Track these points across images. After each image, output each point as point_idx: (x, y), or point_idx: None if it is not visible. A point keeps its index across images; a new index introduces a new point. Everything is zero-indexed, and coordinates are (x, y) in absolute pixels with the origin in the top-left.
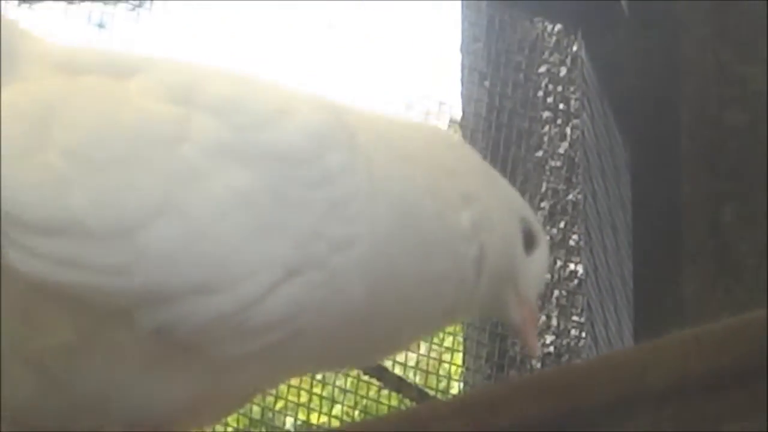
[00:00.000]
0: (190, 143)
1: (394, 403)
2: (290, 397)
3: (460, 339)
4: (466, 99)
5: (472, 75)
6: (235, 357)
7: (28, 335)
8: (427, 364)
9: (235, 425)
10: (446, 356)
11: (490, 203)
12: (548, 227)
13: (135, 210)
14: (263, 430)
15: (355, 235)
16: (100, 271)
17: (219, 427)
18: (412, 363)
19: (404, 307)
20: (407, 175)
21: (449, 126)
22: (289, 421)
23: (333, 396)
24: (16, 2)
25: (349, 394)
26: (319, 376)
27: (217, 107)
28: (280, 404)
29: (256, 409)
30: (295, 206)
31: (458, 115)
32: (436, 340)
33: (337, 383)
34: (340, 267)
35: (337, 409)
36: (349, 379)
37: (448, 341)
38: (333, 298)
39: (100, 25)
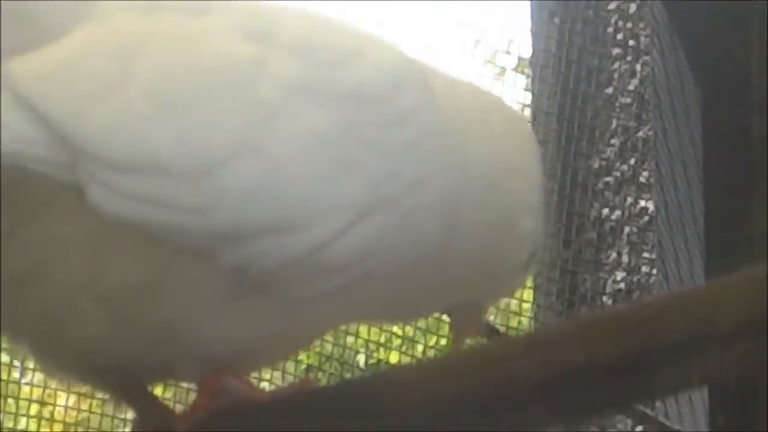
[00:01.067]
0: (267, 82)
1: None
2: (370, 336)
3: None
4: (536, 36)
5: (541, 12)
6: (307, 297)
7: (98, 273)
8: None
9: (307, 361)
10: (516, 293)
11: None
12: (618, 164)
13: (214, 149)
14: (335, 366)
15: (427, 177)
16: (180, 209)
17: (290, 363)
18: None
19: (469, 259)
20: (483, 134)
21: (518, 64)
22: (361, 359)
23: (413, 336)
24: None
25: (428, 335)
26: None
27: (295, 46)
28: (359, 343)
29: (328, 346)
30: (370, 146)
31: (527, 53)
32: None
33: (418, 324)
34: (413, 208)
35: (416, 349)
36: (429, 320)
37: None
38: (405, 240)
39: None
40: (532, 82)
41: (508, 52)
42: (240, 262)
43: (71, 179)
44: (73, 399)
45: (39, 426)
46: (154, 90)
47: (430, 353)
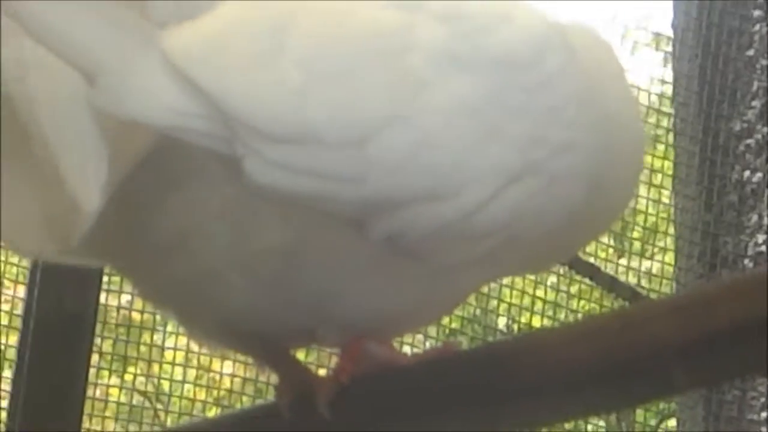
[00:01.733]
0: (416, 51)
1: (607, 304)
2: (512, 300)
3: (671, 239)
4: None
5: None
6: (456, 263)
7: (245, 240)
8: (639, 264)
9: (450, 325)
10: (658, 256)
11: None
12: (760, 126)
13: (367, 120)
14: (477, 329)
15: (572, 140)
16: (334, 179)
17: (432, 327)
18: (624, 263)
19: (599, 214)
20: (618, 92)
21: (652, 39)
22: (502, 322)
23: (556, 299)
24: None
25: (573, 299)
26: (536, 278)
27: (442, 14)
28: (502, 306)
29: (470, 309)
30: (516, 112)
31: (661, 28)
32: (650, 239)
33: (561, 288)
34: (559, 172)
35: (560, 313)
36: (573, 285)
37: (661, 241)
38: (552, 203)
39: None
40: (673, 45)
41: (643, 28)
42: (391, 230)
43: (227, 151)
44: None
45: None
46: (306, 61)
47: (572, 317)
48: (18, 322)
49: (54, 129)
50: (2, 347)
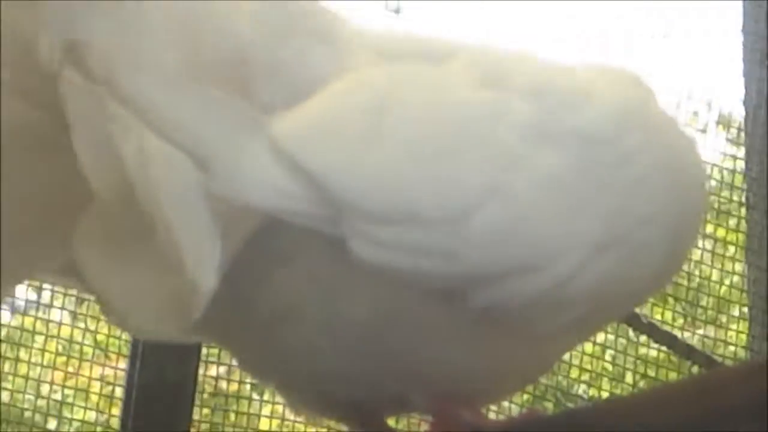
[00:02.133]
0: (506, 128)
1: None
2: (582, 365)
3: (744, 309)
4: (748, 78)
5: (753, 56)
6: (549, 330)
7: (345, 311)
8: (715, 333)
9: (533, 392)
10: (732, 325)
11: None
12: None
13: (465, 197)
14: (557, 395)
15: (652, 212)
16: (436, 256)
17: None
18: (699, 332)
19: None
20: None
21: (719, 119)
22: (581, 388)
23: (624, 364)
24: None
25: (649, 367)
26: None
27: (527, 90)
28: (578, 373)
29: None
30: (602, 186)
31: (727, 108)
32: (723, 309)
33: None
34: (642, 242)
35: (627, 378)
36: (651, 352)
37: (734, 311)
38: (636, 271)
39: (396, 11)
40: (745, 122)
41: (715, 107)
42: (488, 302)
43: (333, 231)
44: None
45: None
46: (407, 143)
47: (640, 383)
48: (120, 393)
49: (173, 214)
50: (107, 418)
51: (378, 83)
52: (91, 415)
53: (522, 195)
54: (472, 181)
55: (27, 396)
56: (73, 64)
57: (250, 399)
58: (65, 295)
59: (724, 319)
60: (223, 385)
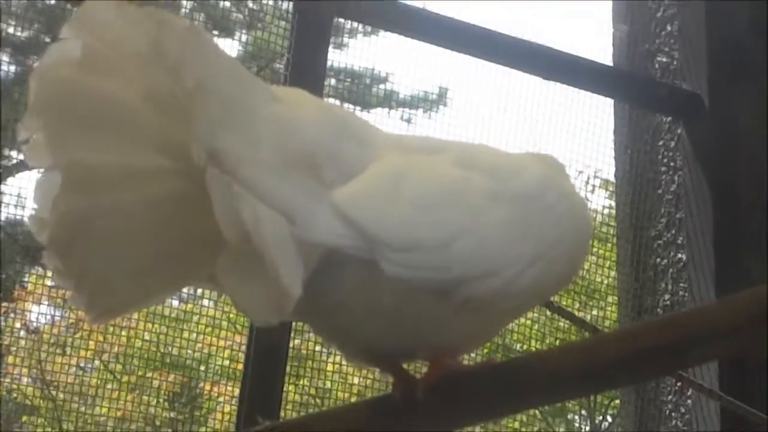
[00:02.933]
0: (473, 193)
1: (577, 336)
2: (524, 332)
3: (615, 298)
4: (618, 160)
5: (620, 146)
6: (503, 312)
7: (377, 304)
8: (598, 313)
9: (487, 348)
10: (609, 308)
11: None
12: (665, 233)
13: (449, 234)
14: (504, 351)
15: (562, 237)
16: (434, 270)
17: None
18: (590, 312)
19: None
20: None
21: (601, 183)
22: (518, 346)
23: (546, 332)
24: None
25: (557, 332)
26: (535, 319)
27: (485, 169)
28: (516, 337)
29: (497, 339)
30: (532, 225)
31: (607, 173)
32: (602, 298)
33: (548, 325)
34: (555, 258)
35: (546, 341)
36: (556, 323)
37: (609, 299)
38: (551, 275)
39: (408, 121)
40: (616, 186)
41: (595, 176)
42: (465, 296)
43: (369, 257)
44: (364, 371)
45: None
46: (414, 202)
47: (554, 343)
48: (242, 358)
49: (274, 250)
50: (235, 367)
51: (396, 167)
52: (226, 363)
53: (483, 233)
54: (453, 224)
55: (187, 351)
56: (213, 162)
57: (321, 352)
58: (210, 291)
59: (603, 304)
60: (303, 345)
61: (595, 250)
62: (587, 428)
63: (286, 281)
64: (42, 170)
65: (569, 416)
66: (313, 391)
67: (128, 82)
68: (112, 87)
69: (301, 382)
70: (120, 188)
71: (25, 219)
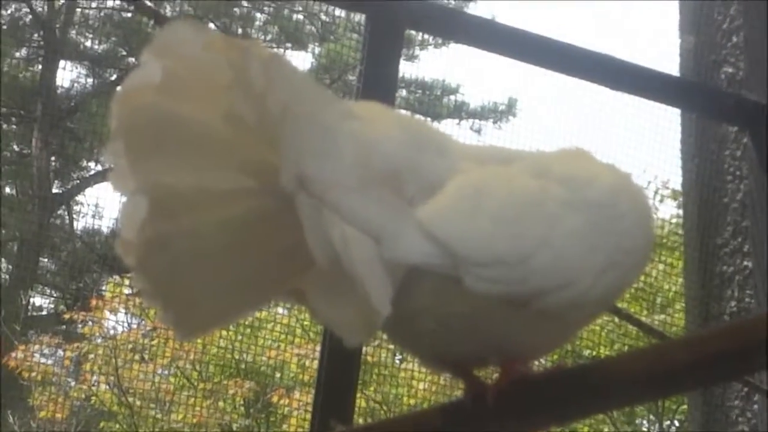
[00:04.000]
0: (550, 203)
1: (646, 342)
2: (593, 339)
3: (683, 305)
4: (685, 171)
5: (686, 156)
6: (574, 320)
7: (452, 314)
8: (665, 319)
9: (557, 354)
10: (676, 315)
11: None
12: (731, 240)
13: (528, 248)
14: (573, 356)
15: (635, 247)
16: (513, 283)
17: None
18: (657, 318)
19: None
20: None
21: (671, 193)
22: (587, 352)
23: (615, 339)
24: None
25: (626, 338)
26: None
27: (560, 178)
28: (584, 343)
29: (568, 345)
30: (605, 233)
31: (676, 183)
32: (670, 305)
33: (617, 331)
34: (628, 266)
35: (614, 347)
36: (623, 329)
37: (677, 305)
38: (624, 284)
39: (478, 131)
40: (683, 195)
41: (665, 186)
42: (542, 306)
43: (453, 273)
44: (429, 378)
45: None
46: (494, 218)
47: (622, 348)
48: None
49: (362, 271)
50: (309, 379)
51: (476, 181)
52: (299, 371)
53: (559, 242)
54: (532, 238)
55: (262, 359)
56: (302, 187)
57: (393, 357)
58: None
59: (670, 311)
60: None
61: (663, 258)
62: None
63: (375, 301)
64: (127, 194)
65: (637, 421)
66: (380, 398)
67: (208, 104)
68: (192, 110)
69: (369, 390)
70: (203, 209)
71: (103, 228)
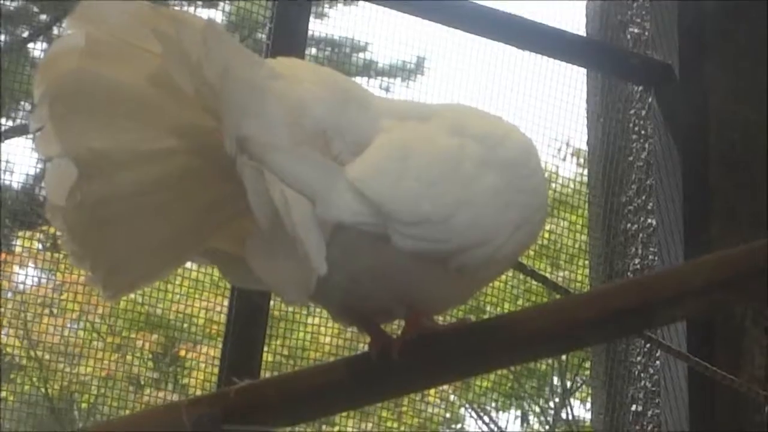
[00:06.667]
0: (467, 161)
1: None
2: (496, 295)
3: (587, 261)
4: (590, 129)
5: (593, 115)
6: (484, 276)
7: (371, 271)
8: (569, 276)
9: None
10: (579, 270)
11: None
12: (636, 198)
13: (450, 207)
14: (478, 312)
15: (542, 204)
16: (436, 241)
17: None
18: (560, 275)
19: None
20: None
21: (574, 151)
22: (491, 308)
23: (518, 294)
24: None
25: (529, 294)
26: (507, 283)
27: (476, 136)
28: (489, 299)
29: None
30: (518, 191)
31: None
32: (574, 261)
33: (521, 287)
34: (538, 220)
35: (523, 302)
36: (527, 285)
37: (581, 262)
38: (532, 239)
39: (387, 89)
40: (588, 152)
41: (568, 145)
42: (461, 263)
43: (382, 232)
44: (336, 332)
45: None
46: (419, 178)
47: (526, 304)
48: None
49: (301, 230)
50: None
51: (401, 140)
52: (208, 324)
53: (477, 201)
54: (452, 196)
55: (171, 312)
56: (242, 149)
57: (298, 314)
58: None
59: (574, 267)
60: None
61: (566, 216)
62: (558, 389)
63: (312, 260)
64: (53, 159)
65: (540, 377)
66: (286, 352)
67: (135, 69)
68: (118, 74)
69: (274, 344)
70: (130, 171)
71: (14, 185)
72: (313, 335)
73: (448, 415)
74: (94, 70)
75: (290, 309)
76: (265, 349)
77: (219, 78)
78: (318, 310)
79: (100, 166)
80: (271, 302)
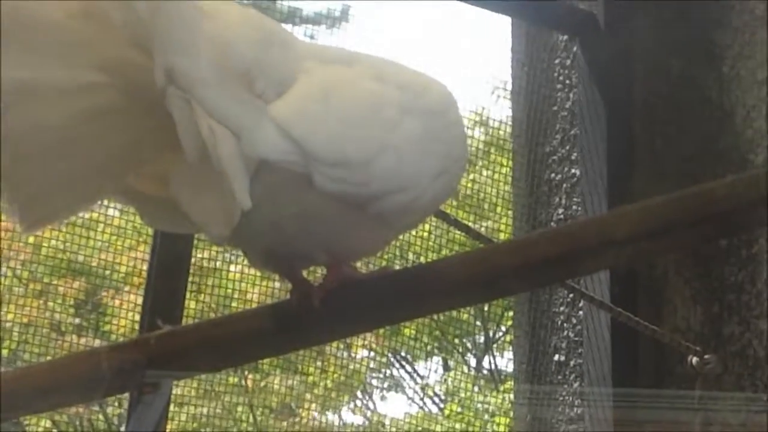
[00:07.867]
0: (388, 107)
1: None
2: (418, 243)
3: (510, 211)
4: (514, 77)
5: (517, 63)
6: (403, 223)
7: (293, 214)
8: (491, 225)
9: (385, 257)
10: (502, 219)
11: None
12: (560, 148)
13: (371, 151)
14: (401, 260)
15: (461, 155)
16: (356, 184)
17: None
18: (484, 225)
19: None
20: None
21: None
22: (412, 256)
23: (442, 243)
24: None
25: (452, 244)
26: (430, 231)
27: (397, 83)
28: (413, 248)
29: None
30: (438, 140)
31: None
32: (496, 210)
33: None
34: (457, 171)
35: (446, 251)
36: (451, 235)
37: (503, 211)
38: (452, 189)
39: (311, 37)
40: (512, 102)
41: (505, 89)
42: (379, 209)
43: (304, 171)
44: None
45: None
46: (341, 120)
47: (448, 253)
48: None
49: (226, 164)
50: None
51: (324, 82)
52: (130, 271)
53: (398, 147)
54: (375, 140)
55: (93, 259)
56: (171, 80)
57: (220, 261)
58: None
59: (497, 217)
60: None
61: (497, 158)
62: (481, 339)
63: (238, 195)
64: None
65: (463, 326)
66: (209, 300)
67: (60, 3)
68: (37, 7)
69: (199, 294)
70: (50, 104)
71: None
72: (237, 285)
73: (372, 364)
74: (17, 4)
75: (215, 256)
76: (189, 297)
77: (150, 12)
78: (242, 259)
79: (20, 97)
80: (197, 254)
